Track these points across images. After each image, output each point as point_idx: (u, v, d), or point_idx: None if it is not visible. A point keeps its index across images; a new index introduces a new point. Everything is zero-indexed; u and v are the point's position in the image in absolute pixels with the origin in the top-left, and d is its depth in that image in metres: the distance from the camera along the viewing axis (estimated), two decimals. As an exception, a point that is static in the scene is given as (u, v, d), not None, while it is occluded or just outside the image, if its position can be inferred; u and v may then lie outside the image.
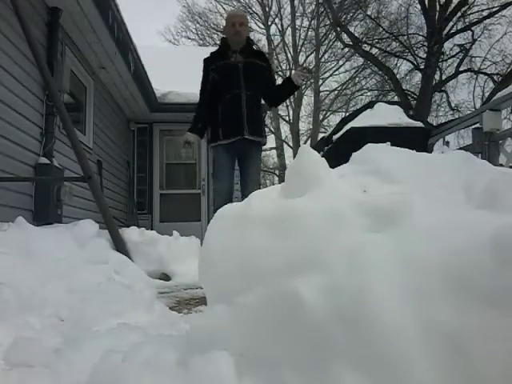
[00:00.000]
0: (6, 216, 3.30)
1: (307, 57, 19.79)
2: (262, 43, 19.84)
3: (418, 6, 14.55)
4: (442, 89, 15.33)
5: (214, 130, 3.56)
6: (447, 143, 5.89)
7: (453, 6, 13.65)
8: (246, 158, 3.56)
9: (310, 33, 19.57)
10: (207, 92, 3.60)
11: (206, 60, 3.63)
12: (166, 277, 3.90)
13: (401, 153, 1.37)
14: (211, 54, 3.66)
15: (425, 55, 14.26)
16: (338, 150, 5.52)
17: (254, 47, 3.83)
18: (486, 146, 4.43)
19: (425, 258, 0.87)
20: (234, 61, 3.51)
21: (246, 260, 1.11)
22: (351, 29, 16.24)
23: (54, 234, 3.11)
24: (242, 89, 3.45)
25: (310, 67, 3.57)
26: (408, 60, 15.53)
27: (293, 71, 3.60)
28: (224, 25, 3.82)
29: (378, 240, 0.95)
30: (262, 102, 3.70)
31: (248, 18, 4.28)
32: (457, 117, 12.24)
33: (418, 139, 5.16)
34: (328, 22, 17.64)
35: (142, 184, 8.41)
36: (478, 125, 4.67)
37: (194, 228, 7.35)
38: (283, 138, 19.89)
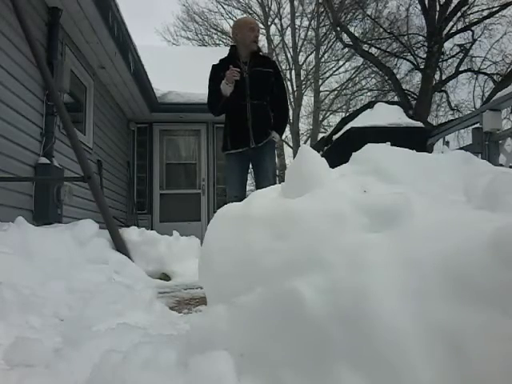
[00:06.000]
0: (6, 216, 3.30)
1: (307, 57, 19.79)
2: (262, 43, 19.83)
3: (418, 6, 14.54)
4: (442, 89, 15.32)
5: (224, 139, 3.68)
6: (447, 143, 5.88)
7: (453, 5, 13.63)
8: (258, 159, 3.64)
9: (309, 33, 19.58)
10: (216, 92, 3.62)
11: (214, 66, 3.68)
12: (165, 277, 3.90)
13: (401, 153, 1.37)
14: (220, 61, 3.70)
15: (425, 55, 14.24)
16: (338, 149, 5.51)
17: (261, 53, 3.86)
18: (486, 146, 4.42)
19: (425, 257, 0.87)
20: (240, 71, 3.52)
21: (245, 260, 1.10)
22: (351, 29, 16.25)
23: (54, 234, 3.11)
24: (247, 99, 3.51)
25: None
26: (408, 60, 15.52)
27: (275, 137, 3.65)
28: (236, 31, 3.71)
29: (377, 240, 0.95)
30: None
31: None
32: (457, 117, 12.24)
33: (417, 139, 5.15)
34: (328, 22, 17.63)
35: (142, 184, 8.41)
36: (478, 125, 4.67)
37: (194, 228, 7.36)
38: (283, 137, 19.87)
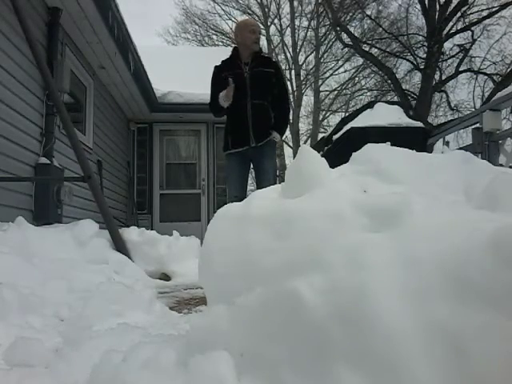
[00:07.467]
0: (6, 216, 3.30)
1: (307, 57, 19.80)
2: (262, 43, 19.82)
3: (418, 6, 14.57)
4: (442, 89, 15.32)
5: (225, 139, 3.69)
6: (447, 143, 5.87)
7: (453, 6, 13.65)
8: (258, 159, 3.64)
9: (309, 33, 19.58)
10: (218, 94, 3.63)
11: (216, 67, 3.70)
12: (165, 277, 3.90)
13: (401, 153, 1.37)
14: (222, 62, 3.73)
15: (425, 55, 14.26)
16: (338, 149, 5.52)
17: (263, 54, 3.88)
18: (486, 146, 4.42)
19: (425, 257, 0.87)
20: (241, 72, 3.55)
21: (245, 260, 1.10)
22: (351, 29, 16.25)
23: (54, 234, 3.11)
24: (248, 98, 3.52)
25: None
26: (408, 60, 15.53)
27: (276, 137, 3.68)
28: (237, 32, 3.73)
29: (378, 240, 0.95)
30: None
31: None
32: (457, 117, 12.23)
33: (417, 139, 5.15)
34: (328, 22, 17.63)
35: (142, 184, 8.41)
36: (478, 125, 4.67)
37: (194, 228, 7.37)
38: (283, 137, 19.86)
